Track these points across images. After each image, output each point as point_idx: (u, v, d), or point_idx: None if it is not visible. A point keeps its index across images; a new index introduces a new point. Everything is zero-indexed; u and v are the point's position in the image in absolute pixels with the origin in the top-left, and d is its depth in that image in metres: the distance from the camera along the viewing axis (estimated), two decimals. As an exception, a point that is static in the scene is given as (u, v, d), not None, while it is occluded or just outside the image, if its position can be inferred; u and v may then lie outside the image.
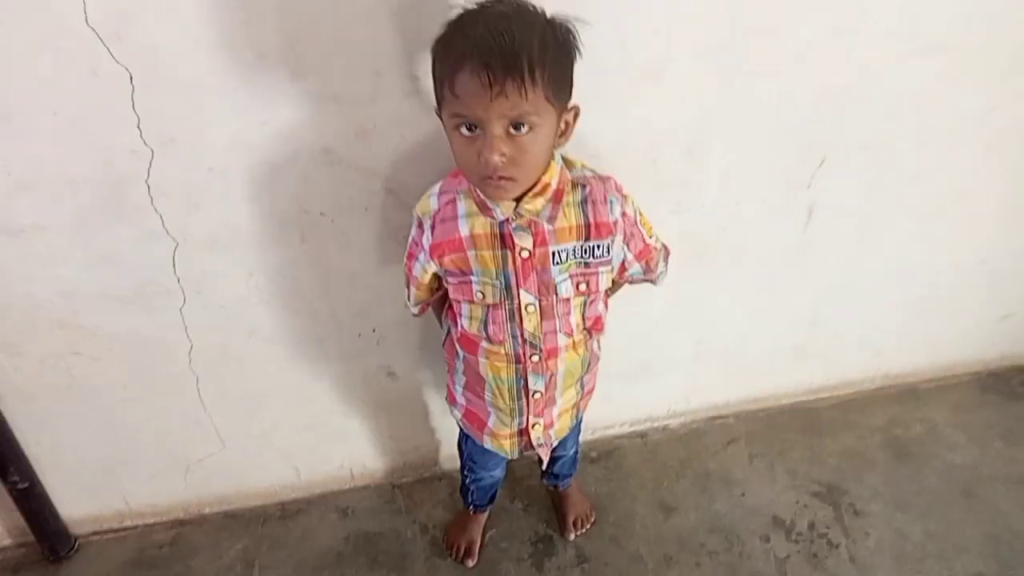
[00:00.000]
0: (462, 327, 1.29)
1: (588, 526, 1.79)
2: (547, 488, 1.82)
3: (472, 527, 1.75)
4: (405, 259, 1.30)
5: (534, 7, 1.03)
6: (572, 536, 1.77)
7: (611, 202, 1.18)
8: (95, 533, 1.79)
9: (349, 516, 1.84)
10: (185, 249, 1.37)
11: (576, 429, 1.63)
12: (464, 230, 1.16)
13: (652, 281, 1.38)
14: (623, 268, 1.28)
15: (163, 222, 1.33)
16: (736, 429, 2.06)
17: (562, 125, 1.09)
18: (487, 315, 1.23)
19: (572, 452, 1.69)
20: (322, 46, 1.18)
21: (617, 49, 1.29)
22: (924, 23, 1.42)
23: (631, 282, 1.37)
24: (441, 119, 1.07)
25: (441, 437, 1.87)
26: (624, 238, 1.22)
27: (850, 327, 1.97)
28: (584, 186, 1.17)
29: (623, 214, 1.20)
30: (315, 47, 1.18)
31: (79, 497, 1.73)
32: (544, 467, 1.73)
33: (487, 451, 1.47)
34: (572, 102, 1.09)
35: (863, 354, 2.06)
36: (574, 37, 1.05)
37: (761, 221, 1.65)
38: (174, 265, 1.39)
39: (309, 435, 1.76)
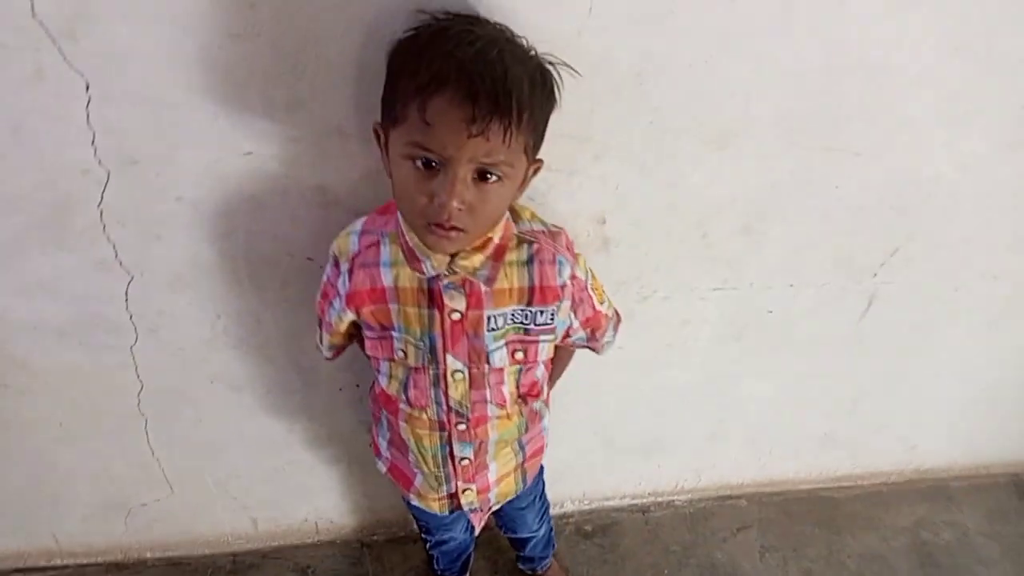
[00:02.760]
0: (381, 385, 1.10)
1: (573, 614, 1.60)
2: (524, 573, 1.62)
3: (444, 604, 1.55)
4: (318, 298, 1.08)
5: (523, 39, 0.87)
6: (555, 625, 1.57)
7: (560, 263, 0.99)
8: (18, 571, 1.57)
9: (308, 576, 1.64)
10: (141, 284, 1.15)
11: (540, 506, 1.44)
12: (387, 279, 0.97)
13: (595, 350, 1.17)
14: (566, 335, 1.09)
15: (116, 252, 1.11)
16: (749, 514, 1.86)
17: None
18: (408, 377, 1.04)
19: (543, 532, 1.50)
20: (329, 73, 0.96)
21: (683, 106, 1.08)
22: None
23: (573, 347, 1.18)
24: (379, 138, 0.89)
25: (421, 497, 1.66)
26: (572, 304, 1.04)
27: (889, 421, 1.78)
28: (531, 243, 0.99)
29: (573, 277, 1.01)
30: (320, 73, 0.95)
31: (2, 530, 1.51)
32: (515, 548, 1.56)
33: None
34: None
35: (897, 447, 1.87)
36: (558, 86, 0.89)
37: (813, 308, 1.44)
38: (127, 300, 1.17)
39: (271, 487, 1.55)
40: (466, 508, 1.20)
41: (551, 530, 1.54)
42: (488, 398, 1.06)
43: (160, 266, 1.14)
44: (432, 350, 1.00)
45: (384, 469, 1.25)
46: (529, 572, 1.61)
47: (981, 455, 1.95)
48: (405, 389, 1.05)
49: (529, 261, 0.98)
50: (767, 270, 1.36)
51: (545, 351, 1.06)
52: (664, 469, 1.78)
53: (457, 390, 1.04)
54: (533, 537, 1.49)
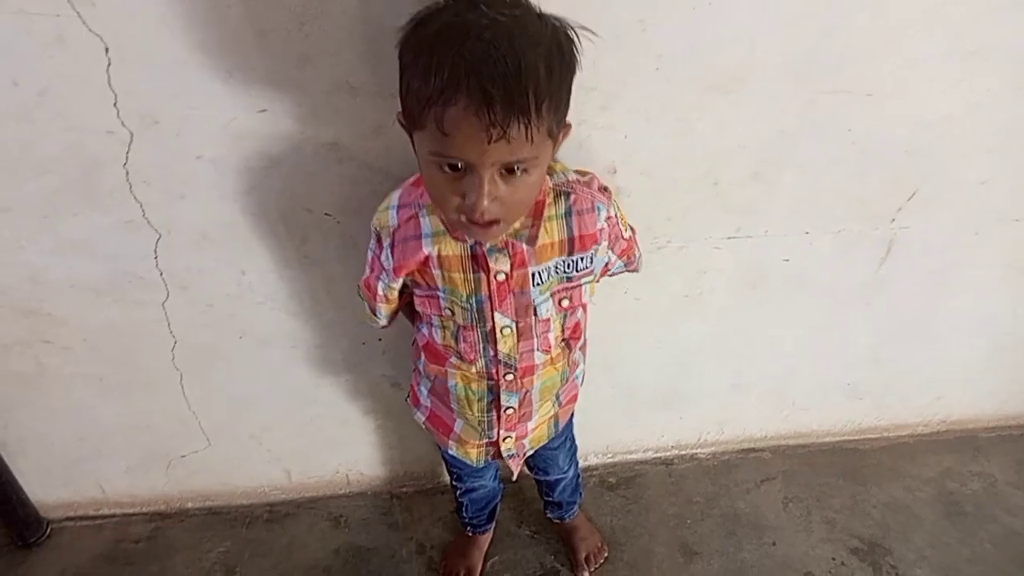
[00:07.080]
0: (430, 336, 1.13)
1: (600, 563, 1.63)
2: (552, 521, 1.66)
3: (472, 552, 1.60)
4: (366, 273, 1.11)
5: (535, 8, 0.84)
6: (584, 575, 1.60)
7: (598, 209, 1.02)
8: (69, 519, 1.66)
9: (341, 526, 1.70)
10: (169, 241, 1.21)
11: (570, 447, 1.48)
12: (429, 249, 0.99)
13: (635, 270, 1.22)
14: (605, 270, 1.15)
15: (143, 211, 1.16)
16: (772, 466, 1.87)
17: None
18: (458, 332, 1.08)
19: (572, 475, 1.53)
20: (336, 28, 0.99)
21: (687, 53, 1.09)
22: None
23: (611, 275, 1.21)
24: (404, 127, 0.89)
25: (447, 450, 1.71)
26: (608, 243, 1.08)
27: (913, 369, 1.76)
28: (568, 194, 1.01)
29: (608, 218, 1.05)
30: (328, 28, 0.98)
31: (52, 482, 1.60)
32: (543, 494, 1.59)
33: None
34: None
35: (922, 398, 1.85)
36: (578, 50, 0.86)
37: (831, 254, 1.44)
38: (156, 258, 1.22)
39: (303, 439, 1.61)
40: (505, 454, 1.25)
41: (579, 475, 1.57)
42: (535, 347, 1.10)
43: (186, 224, 1.19)
44: (479, 310, 1.04)
45: (423, 419, 1.29)
46: (557, 520, 1.64)
47: (1009, 406, 1.92)
48: (456, 341, 1.09)
49: (567, 214, 1.00)
50: (781, 218, 1.36)
51: (587, 292, 1.10)
52: (686, 422, 1.80)
53: (506, 344, 1.08)
54: (563, 478, 1.52)
